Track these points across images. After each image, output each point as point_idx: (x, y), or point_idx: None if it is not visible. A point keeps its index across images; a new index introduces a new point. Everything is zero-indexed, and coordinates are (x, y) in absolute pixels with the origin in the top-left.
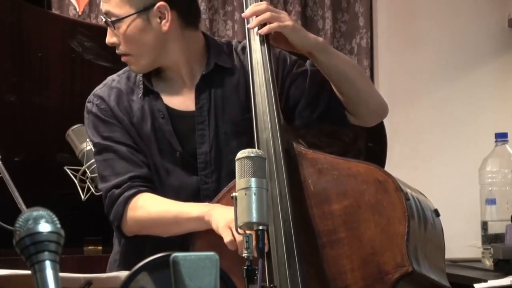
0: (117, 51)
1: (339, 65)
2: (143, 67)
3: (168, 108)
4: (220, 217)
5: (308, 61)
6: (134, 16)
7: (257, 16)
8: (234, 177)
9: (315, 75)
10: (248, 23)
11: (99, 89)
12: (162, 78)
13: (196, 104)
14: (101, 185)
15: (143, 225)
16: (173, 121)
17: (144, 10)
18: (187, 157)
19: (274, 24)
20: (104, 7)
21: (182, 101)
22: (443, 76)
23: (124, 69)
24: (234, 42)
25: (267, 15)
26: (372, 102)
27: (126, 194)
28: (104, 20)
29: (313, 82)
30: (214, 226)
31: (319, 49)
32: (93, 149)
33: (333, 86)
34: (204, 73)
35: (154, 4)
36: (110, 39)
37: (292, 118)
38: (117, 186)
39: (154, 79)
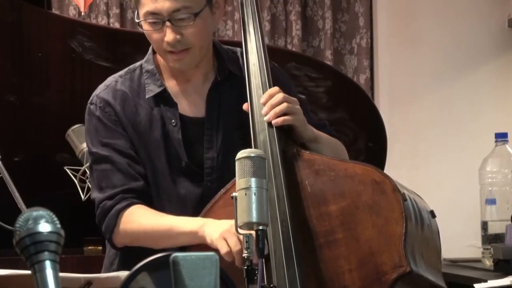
0: (174, 49)
1: (322, 152)
2: (197, 61)
3: (179, 114)
4: (213, 230)
5: (305, 98)
6: (207, 6)
7: (274, 106)
8: None
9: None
10: (243, 21)
11: (102, 91)
12: (176, 80)
13: (206, 109)
14: (95, 195)
15: (134, 237)
16: (183, 128)
17: None
18: (192, 166)
19: (289, 119)
20: (170, 4)
21: (192, 106)
22: (443, 76)
23: (125, 70)
24: (239, 49)
25: (284, 106)
26: None
27: (118, 206)
28: (167, 19)
29: None
30: (208, 240)
31: (318, 141)
32: (90, 158)
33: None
34: (219, 79)
35: None
36: (175, 36)
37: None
38: (109, 197)
39: (165, 82)
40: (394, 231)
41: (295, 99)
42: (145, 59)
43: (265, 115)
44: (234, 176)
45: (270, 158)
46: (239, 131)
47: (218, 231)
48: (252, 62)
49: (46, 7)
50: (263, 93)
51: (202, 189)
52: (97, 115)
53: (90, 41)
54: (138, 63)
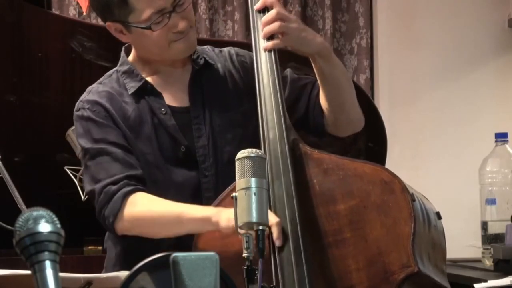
0: (184, 34)
1: (336, 73)
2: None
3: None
4: (230, 217)
5: (288, 69)
6: None
7: (266, 25)
8: (230, 169)
9: (295, 83)
10: (253, 21)
11: (86, 96)
12: (155, 75)
13: (190, 99)
14: (92, 186)
15: (140, 222)
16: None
17: None
18: (191, 151)
19: (280, 42)
20: None
21: (176, 98)
22: (443, 76)
23: (103, 77)
24: (206, 46)
25: (275, 26)
26: (353, 113)
27: (124, 190)
28: (171, 9)
29: (292, 89)
30: (224, 223)
31: (321, 56)
32: (84, 157)
33: (321, 92)
34: (196, 67)
35: None
36: (184, 21)
37: None
38: (113, 183)
39: (147, 78)
40: (402, 231)
41: (292, 16)
42: (119, 63)
43: (263, 38)
44: (225, 162)
45: (279, 156)
46: (227, 116)
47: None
48: (262, 61)
49: (46, 7)
50: (273, 91)
51: (197, 176)
52: (86, 115)
53: (90, 41)
54: (113, 69)
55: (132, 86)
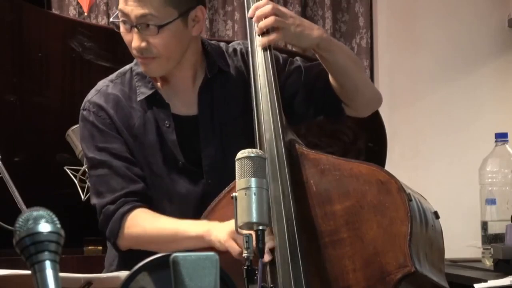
0: (141, 55)
1: (340, 60)
2: (165, 70)
3: (172, 114)
4: (220, 233)
5: (298, 57)
6: (178, 19)
7: (261, 19)
8: (235, 178)
9: (309, 71)
10: (249, 22)
11: (94, 96)
12: (164, 82)
13: (199, 107)
14: (95, 201)
15: (139, 242)
16: (177, 128)
17: (186, 13)
18: (189, 166)
19: (275, 37)
20: (137, 10)
21: (185, 105)
22: (443, 76)
23: (115, 74)
24: (223, 44)
25: (271, 20)
26: (368, 93)
27: (121, 210)
28: (135, 24)
29: (307, 79)
30: (217, 244)
31: (321, 47)
32: (87, 164)
33: (331, 79)
34: (209, 76)
35: (194, 7)
36: (140, 43)
37: (287, 114)
38: (112, 202)
39: (158, 83)
40: (399, 231)
41: (288, 11)
42: (134, 61)
43: (258, 34)
44: (231, 171)
45: (276, 157)
46: (235, 124)
47: (225, 233)
48: (258, 61)
49: (46, 7)
50: (269, 92)
51: (202, 187)
52: (91, 120)
53: (90, 41)
54: (128, 66)
55: (142, 92)
